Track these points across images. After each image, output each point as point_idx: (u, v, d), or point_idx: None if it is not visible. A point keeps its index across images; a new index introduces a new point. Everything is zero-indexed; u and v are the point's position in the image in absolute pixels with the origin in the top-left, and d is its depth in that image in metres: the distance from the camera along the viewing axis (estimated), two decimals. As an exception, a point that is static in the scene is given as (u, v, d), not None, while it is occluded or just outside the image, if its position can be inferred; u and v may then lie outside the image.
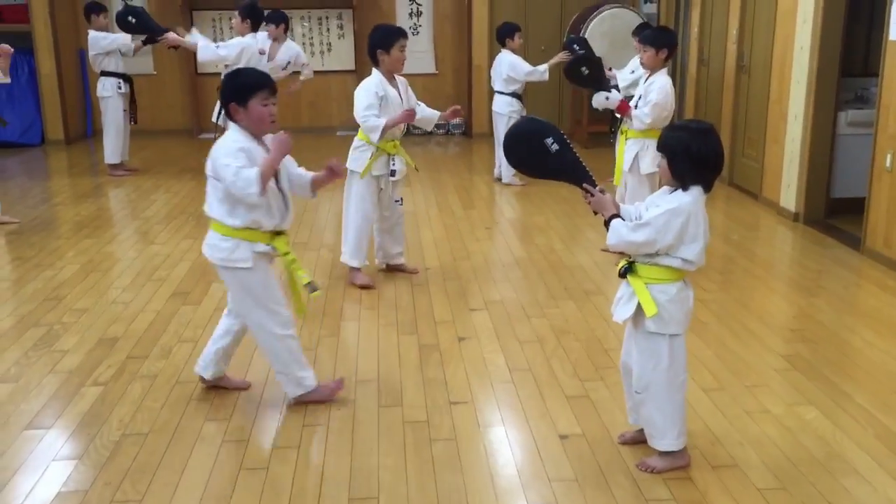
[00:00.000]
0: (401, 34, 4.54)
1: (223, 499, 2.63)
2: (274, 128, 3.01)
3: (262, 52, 6.85)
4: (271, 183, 2.95)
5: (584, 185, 2.73)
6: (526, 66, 7.14)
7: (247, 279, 3.05)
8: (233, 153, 2.90)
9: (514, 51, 7.25)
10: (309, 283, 3.09)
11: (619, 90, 5.43)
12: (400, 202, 4.80)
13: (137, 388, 3.41)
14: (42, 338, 3.95)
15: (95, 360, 3.69)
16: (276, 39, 7.16)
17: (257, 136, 3.01)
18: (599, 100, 5.00)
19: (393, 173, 4.62)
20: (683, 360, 2.72)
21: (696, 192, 2.60)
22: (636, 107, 4.86)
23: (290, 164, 3.16)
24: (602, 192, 2.71)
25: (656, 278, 2.63)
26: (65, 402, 3.30)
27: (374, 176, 4.58)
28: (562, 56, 6.75)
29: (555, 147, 2.75)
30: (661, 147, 2.64)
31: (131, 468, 2.80)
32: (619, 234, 2.62)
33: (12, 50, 5.88)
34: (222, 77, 3.04)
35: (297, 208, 6.44)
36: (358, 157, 4.56)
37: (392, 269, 4.92)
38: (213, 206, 3.02)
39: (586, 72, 5.06)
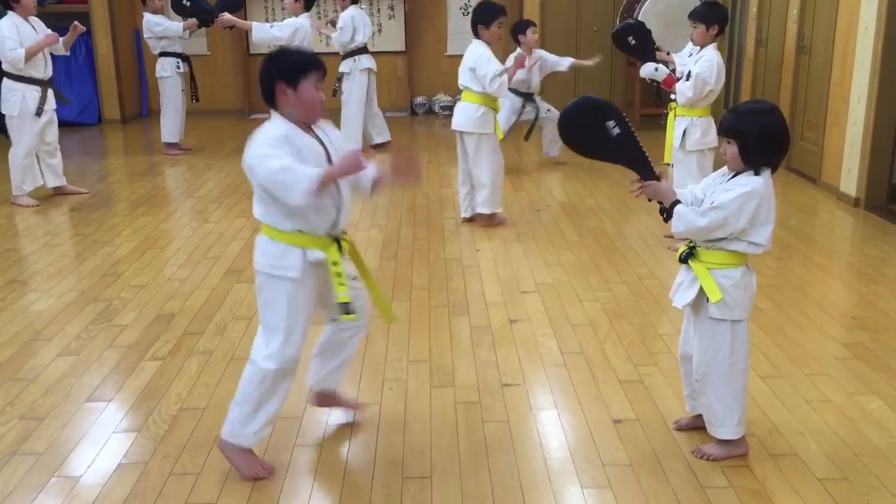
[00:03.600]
0: (501, 12, 5.20)
1: (278, 475, 2.66)
2: (322, 116, 2.61)
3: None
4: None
5: (641, 173, 2.65)
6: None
7: (290, 291, 2.58)
8: (276, 142, 2.45)
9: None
10: (346, 303, 2.59)
11: (674, 73, 5.36)
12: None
13: (194, 364, 3.46)
14: (101, 312, 4.03)
15: (153, 335, 3.76)
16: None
17: (305, 124, 2.57)
18: (648, 70, 5.06)
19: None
20: (746, 347, 2.66)
21: (766, 174, 2.54)
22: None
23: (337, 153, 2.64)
24: (659, 178, 2.65)
25: (720, 263, 2.57)
26: (124, 375, 3.37)
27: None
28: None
29: (616, 131, 2.65)
30: (730, 132, 2.52)
31: (189, 442, 2.85)
32: (687, 219, 2.54)
33: (84, 29, 6.09)
34: (265, 58, 2.61)
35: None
36: (486, 120, 5.26)
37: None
38: (257, 206, 2.58)
39: (633, 41, 5.16)
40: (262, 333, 2.66)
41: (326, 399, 3.00)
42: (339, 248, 2.62)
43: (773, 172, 2.56)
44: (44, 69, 5.98)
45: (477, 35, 5.21)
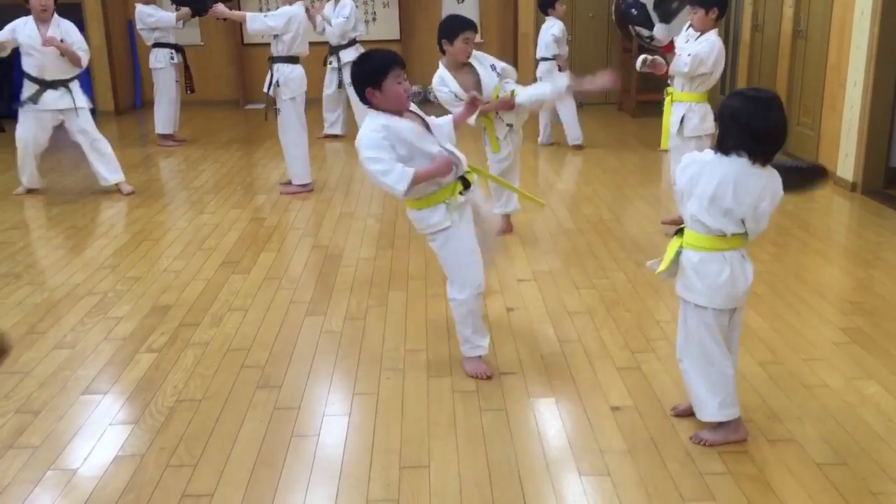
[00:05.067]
0: (466, 26, 4.51)
1: (275, 465, 2.65)
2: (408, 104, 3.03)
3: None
4: (439, 149, 3.02)
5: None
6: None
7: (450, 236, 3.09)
8: (377, 144, 2.91)
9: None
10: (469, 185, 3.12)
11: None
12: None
13: (190, 356, 3.45)
14: (97, 305, 4.02)
15: (149, 327, 3.75)
16: None
17: (397, 114, 3.00)
18: (641, 62, 4.86)
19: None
20: (714, 335, 2.63)
21: (734, 157, 2.49)
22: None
23: (431, 122, 3.14)
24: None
25: (691, 244, 2.63)
26: (120, 367, 3.36)
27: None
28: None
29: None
30: (717, 115, 2.60)
31: (186, 434, 2.84)
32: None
33: (58, 40, 5.87)
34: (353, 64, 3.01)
35: (342, 180, 6.46)
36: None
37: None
38: None
39: (635, 13, 5.72)
40: (450, 279, 3.19)
41: None
42: (466, 183, 3.10)
43: (759, 162, 2.48)
44: (38, 71, 5.89)
45: (444, 53, 4.61)
